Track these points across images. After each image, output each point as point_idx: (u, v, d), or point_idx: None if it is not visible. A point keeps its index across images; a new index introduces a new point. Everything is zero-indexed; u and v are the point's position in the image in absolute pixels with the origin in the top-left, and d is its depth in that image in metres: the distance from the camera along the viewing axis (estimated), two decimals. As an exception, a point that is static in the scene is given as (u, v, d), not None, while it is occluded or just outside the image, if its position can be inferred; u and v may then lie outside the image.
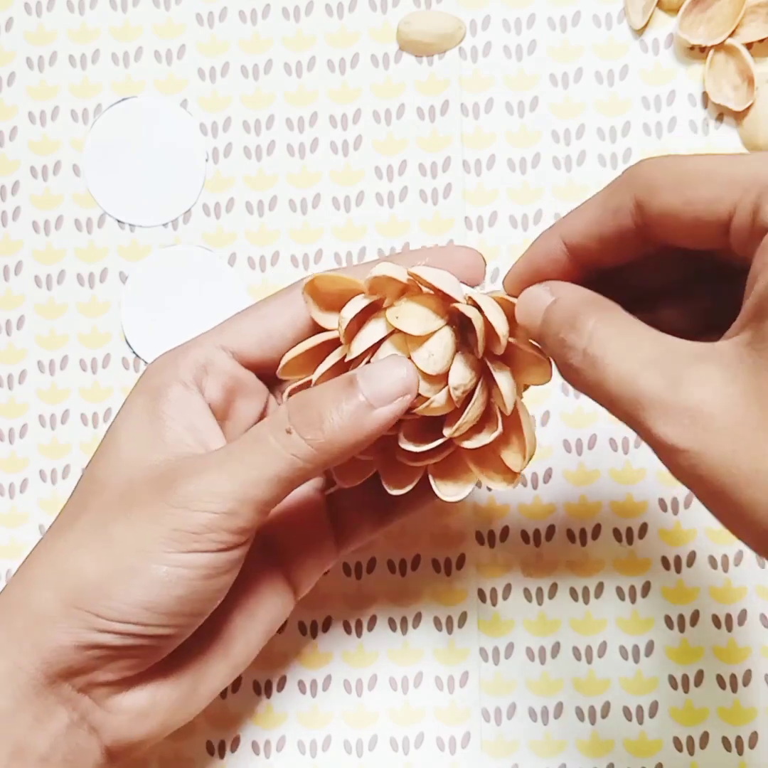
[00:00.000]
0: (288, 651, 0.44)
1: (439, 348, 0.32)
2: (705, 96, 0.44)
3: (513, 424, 0.33)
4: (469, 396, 0.33)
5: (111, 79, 0.46)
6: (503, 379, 0.32)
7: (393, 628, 0.44)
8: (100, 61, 0.46)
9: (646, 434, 0.25)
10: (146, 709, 0.33)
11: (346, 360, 0.33)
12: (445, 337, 0.32)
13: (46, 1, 0.46)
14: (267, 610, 0.36)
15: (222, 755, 0.44)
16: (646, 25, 0.45)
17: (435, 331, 0.32)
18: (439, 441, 0.33)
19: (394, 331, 0.33)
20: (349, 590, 0.44)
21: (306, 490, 0.38)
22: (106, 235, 0.46)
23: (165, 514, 0.30)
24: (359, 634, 0.44)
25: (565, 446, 0.44)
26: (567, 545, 0.44)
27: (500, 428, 0.33)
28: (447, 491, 0.34)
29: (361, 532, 0.38)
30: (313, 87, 0.46)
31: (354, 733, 0.44)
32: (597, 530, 0.44)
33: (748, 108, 0.44)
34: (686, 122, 0.45)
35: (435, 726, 0.43)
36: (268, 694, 0.44)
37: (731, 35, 0.43)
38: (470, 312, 0.32)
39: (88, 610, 0.30)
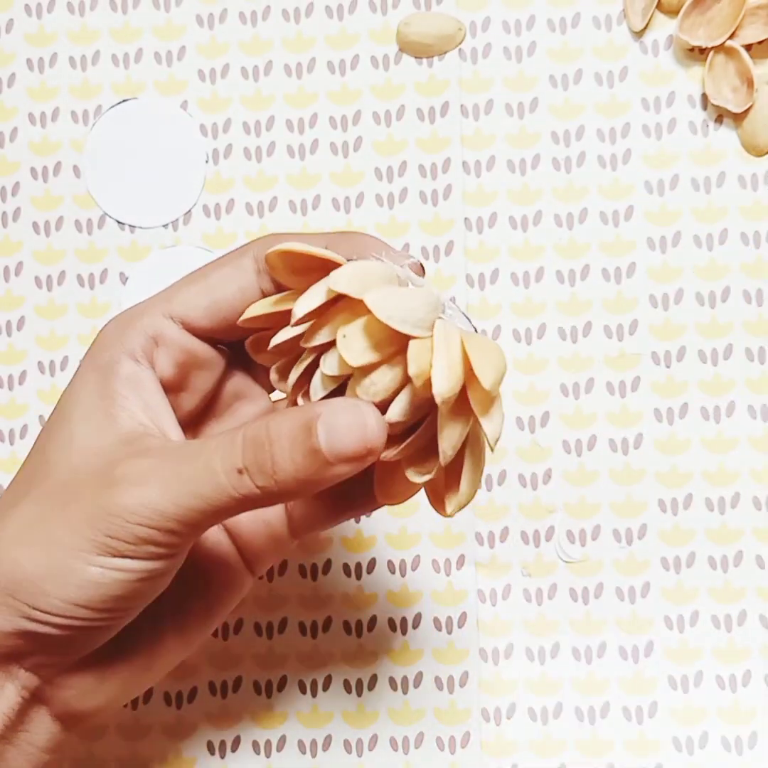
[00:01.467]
0: (288, 651, 0.44)
1: (383, 379, 0.30)
2: (704, 97, 0.44)
3: (454, 471, 0.31)
4: (411, 429, 0.30)
5: (111, 80, 0.46)
6: (447, 431, 0.29)
7: (393, 629, 0.44)
8: (101, 62, 0.46)
9: None
10: (95, 685, 0.33)
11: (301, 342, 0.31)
12: (393, 370, 0.30)
13: (46, 2, 0.46)
14: (223, 589, 0.36)
15: (222, 755, 0.44)
16: (645, 27, 0.45)
17: (379, 363, 0.30)
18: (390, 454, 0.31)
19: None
20: (349, 591, 0.44)
21: None
22: (106, 236, 0.46)
23: (101, 519, 0.30)
24: (359, 634, 0.44)
25: (565, 446, 0.44)
26: (567, 546, 0.44)
27: (432, 475, 0.31)
28: (387, 497, 0.33)
29: (313, 522, 0.36)
30: (313, 88, 0.46)
31: (354, 733, 0.44)
32: (597, 530, 0.44)
33: (748, 110, 0.44)
34: (686, 124, 0.45)
35: (435, 726, 0.43)
36: (269, 694, 0.44)
37: (731, 37, 0.43)
38: (413, 360, 0.29)
39: (25, 602, 0.31)
